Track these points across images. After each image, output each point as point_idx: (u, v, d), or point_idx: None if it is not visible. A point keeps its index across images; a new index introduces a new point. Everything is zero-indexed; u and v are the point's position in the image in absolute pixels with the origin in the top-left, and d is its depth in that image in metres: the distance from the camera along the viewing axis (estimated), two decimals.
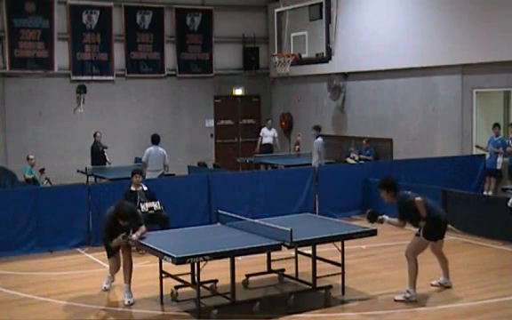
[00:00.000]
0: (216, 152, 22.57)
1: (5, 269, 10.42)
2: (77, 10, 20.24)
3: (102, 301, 8.67)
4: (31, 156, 16.81)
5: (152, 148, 14.35)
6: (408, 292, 8.36)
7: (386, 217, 8.60)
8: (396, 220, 8.56)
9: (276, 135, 20.28)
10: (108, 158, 18.16)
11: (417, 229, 8.53)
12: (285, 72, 18.47)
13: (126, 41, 20.98)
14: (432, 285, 8.93)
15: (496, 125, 15.31)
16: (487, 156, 15.53)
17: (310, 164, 15.89)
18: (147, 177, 13.48)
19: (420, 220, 8.36)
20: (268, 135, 20.14)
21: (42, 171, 17.58)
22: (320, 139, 16.06)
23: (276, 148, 20.22)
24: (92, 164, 17.65)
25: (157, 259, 8.33)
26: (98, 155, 18.02)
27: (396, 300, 8.34)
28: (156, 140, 14.48)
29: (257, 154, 19.35)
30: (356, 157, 18.42)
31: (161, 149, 14.42)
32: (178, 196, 12.53)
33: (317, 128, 16.29)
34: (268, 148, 19.95)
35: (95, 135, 18.23)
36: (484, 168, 15.55)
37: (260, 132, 20.48)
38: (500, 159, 15.13)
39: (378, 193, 8.77)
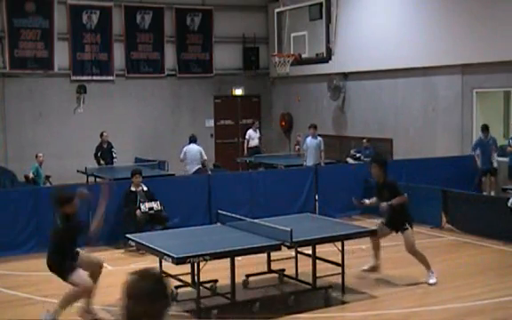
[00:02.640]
0: (216, 152, 22.56)
1: (5, 269, 10.42)
2: (77, 10, 20.24)
3: (102, 301, 8.66)
4: (40, 154, 16.79)
5: (191, 146, 16.04)
6: (432, 274, 8.97)
7: (366, 200, 9.47)
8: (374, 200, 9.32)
9: (260, 136, 20.20)
10: (115, 155, 18.06)
11: (402, 226, 9.03)
12: (285, 72, 18.46)
13: (126, 41, 20.99)
14: (364, 270, 9.36)
15: (485, 128, 15.17)
16: (480, 157, 15.40)
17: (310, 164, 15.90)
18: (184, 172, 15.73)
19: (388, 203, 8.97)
20: (254, 137, 19.95)
21: (47, 178, 17.42)
22: (320, 138, 16.13)
23: (261, 149, 20.16)
24: (99, 164, 17.63)
25: (157, 259, 8.33)
26: (105, 154, 17.94)
27: (431, 284, 8.88)
28: (194, 139, 16.20)
29: (244, 157, 19.27)
30: (357, 156, 18.42)
31: (196, 147, 16.00)
32: (178, 196, 12.53)
33: (315, 127, 16.30)
34: (256, 151, 19.66)
35: (102, 135, 18.09)
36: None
37: (245, 134, 20.20)
38: (495, 157, 15.13)
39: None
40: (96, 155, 17.91)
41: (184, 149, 16.10)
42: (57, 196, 7.86)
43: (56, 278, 9.87)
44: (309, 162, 15.79)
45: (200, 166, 15.80)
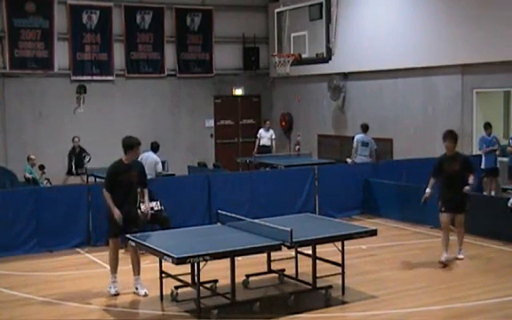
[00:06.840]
0: (216, 152, 22.57)
1: (5, 269, 10.42)
2: (77, 10, 20.24)
3: (102, 301, 8.67)
4: (32, 157, 16.79)
5: (147, 153, 13.85)
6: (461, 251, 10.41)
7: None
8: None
9: (273, 136, 19.90)
10: (86, 160, 18.14)
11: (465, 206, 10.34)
12: (285, 72, 18.46)
13: (126, 41, 20.98)
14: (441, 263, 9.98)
15: (488, 126, 15.17)
16: (483, 157, 15.41)
17: (310, 164, 15.91)
18: None
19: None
20: (264, 136, 19.83)
21: (42, 168, 17.51)
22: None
23: (273, 149, 19.87)
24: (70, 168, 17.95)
25: (157, 259, 8.34)
26: (77, 159, 18.13)
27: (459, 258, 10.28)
28: (153, 147, 14.14)
29: (255, 155, 19.27)
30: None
31: (154, 157, 13.86)
32: (178, 196, 12.53)
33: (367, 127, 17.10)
34: (265, 150, 19.58)
35: (73, 140, 18.27)
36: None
37: (257, 133, 20.26)
38: (498, 157, 15.13)
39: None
40: (69, 160, 18.13)
41: (141, 156, 13.33)
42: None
43: (56, 278, 9.89)
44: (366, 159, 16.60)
45: (153, 177, 13.45)
